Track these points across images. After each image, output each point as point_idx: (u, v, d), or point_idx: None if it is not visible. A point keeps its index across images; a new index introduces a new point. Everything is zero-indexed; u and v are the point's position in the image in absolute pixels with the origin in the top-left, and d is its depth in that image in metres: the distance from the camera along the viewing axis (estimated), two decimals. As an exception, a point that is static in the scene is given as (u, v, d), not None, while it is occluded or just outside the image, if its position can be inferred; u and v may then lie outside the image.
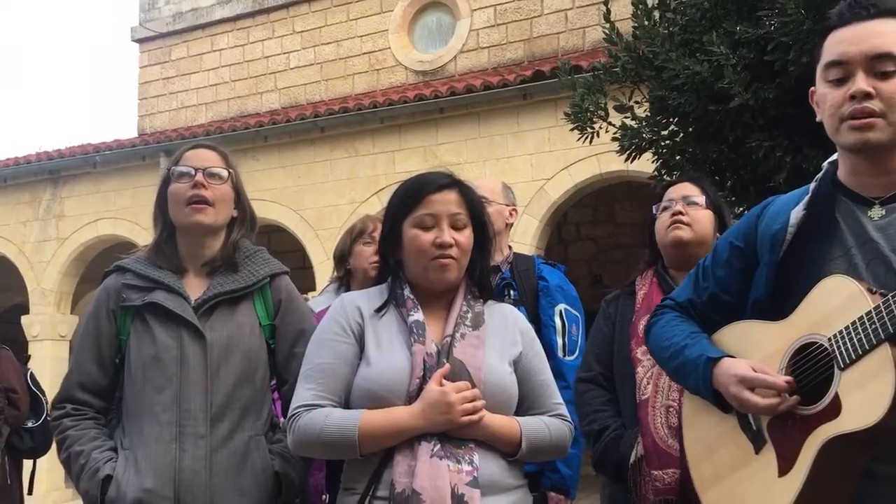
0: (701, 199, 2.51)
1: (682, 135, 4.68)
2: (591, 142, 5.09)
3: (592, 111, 4.98)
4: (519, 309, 2.90)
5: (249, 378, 2.12)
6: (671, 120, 4.67)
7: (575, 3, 10.94)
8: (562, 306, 2.95)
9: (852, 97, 1.50)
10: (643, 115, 4.82)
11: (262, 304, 2.20)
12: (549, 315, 2.93)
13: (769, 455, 1.54)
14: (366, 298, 1.97)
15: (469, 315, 1.92)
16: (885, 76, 1.49)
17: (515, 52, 11.24)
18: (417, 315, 1.88)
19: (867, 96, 1.49)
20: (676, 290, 1.91)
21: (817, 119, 1.63)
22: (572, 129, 5.13)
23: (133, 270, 2.16)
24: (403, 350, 1.84)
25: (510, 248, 3.18)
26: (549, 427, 1.93)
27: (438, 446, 1.76)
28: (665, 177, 4.92)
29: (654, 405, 2.33)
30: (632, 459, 2.32)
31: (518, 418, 1.90)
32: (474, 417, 1.77)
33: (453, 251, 1.88)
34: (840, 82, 1.53)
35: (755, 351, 1.60)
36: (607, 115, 4.97)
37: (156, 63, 14.17)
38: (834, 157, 1.67)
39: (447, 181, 1.94)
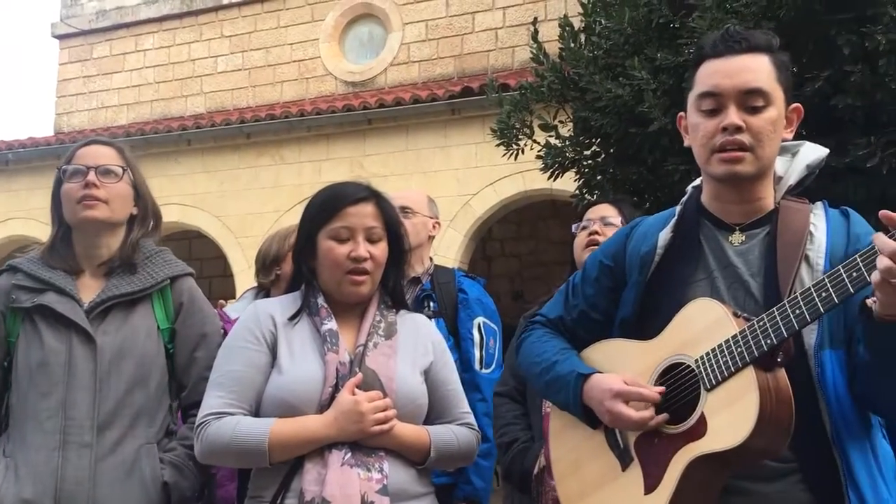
0: (618, 220, 2.60)
1: (603, 155, 4.79)
2: (516, 158, 5.17)
3: (518, 128, 5.07)
4: (438, 321, 2.96)
5: (143, 383, 2.06)
6: (594, 140, 4.79)
7: (505, 23, 11.10)
8: (480, 319, 2.99)
9: (724, 129, 1.55)
10: (567, 135, 4.93)
11: (161, 307, 2.14)
12: (467, 328, 2.97)
13: (635, 472, 1.56)
14: (279, 306, 1.95)
15: (382, 325, 1.92)
16: (754, 111, 1.55)
17: (446, 68, 11.32)
18: (331, 324, 1.87)
19: (738, 129, 1.54)
20: (547, 307, 1.93)
21: (685, 144, 1.69)
22: (498, 146, 5.21)
23: (24, 271, 2.09)
24: (316, 359, 1.83)
25: (431, 260, 3.21)
26: (457, 436, 1.94)
27: (349, 454, 1.76)
28: (586, 196, 5.03)
29: None
30: (535, 470, 2.38)
31: (427, 427, 1.92)
32: (385, 427, 1.78)
33: (367, 265, 1.89)
34: (713, 113, 1.57)
35: (624, 369, 1.63)
36: (532, 133, 5.06)
37: (76, 60, 13.72)
38: (698, 181, 1.74)
39: (364, 194, 1.94)
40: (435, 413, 1.97)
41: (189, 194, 10.79)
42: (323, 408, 1.79)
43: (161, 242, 2.31)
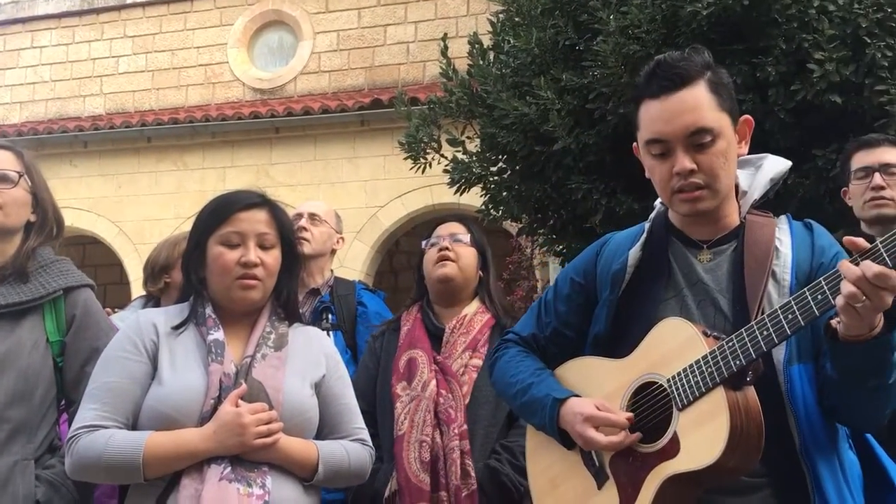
0: (466, 237, 2.64)
1: (509, 172, 4.86)
2: (423, 172, 5.19)
3: (426, 142, 5.09)
4: (336, 333, 2.92)
5: (25, 398, 1.96)
6: (500, 157, 4.85)
7: (417, 37, 11.15)
8: None
9: (677, 174, 1.56)
10: (474, 151, 4.98)
11: (52, 319, 2.05)
12: (365, 341, 2.94)
13: (611, 491, 1.58)
14: (163, 316, 1.89)
15: (272, 336, 1.88)
16: (702, 147, 1.55)
17: (356, 79, 11.28)
18: (217, 334, 1.82)
19: (691, 172, 1.55)
20: (519, 324, 1.93)
21: (647, 175, 1.69)
22: (406, 159, 5.22)
23: None
24: (199, 370, 1.78)
25: (332, 272, 3.18)
26: (348, 452, 1.91)
27: (229, 469, 1.70)
28: (492, 211, 5.10)
29: (409, 440, 2.38)
30: (386, 494, 2.36)
31: (317, 442, 1.88)
32: (268, 441, 1.73)
33: (258, 271, 1.84)
34: (663, 157, 1.59)
35: (598, 387, 1.65)
36: (440, 147, 5.09)
37: (-34, 54, 13.03)
38: (661, 199, 1.74)
39: (257, 200, 1.91)
40: (328, 428, 1.93)
41: (84, 198, 10.38)
42: (204, 420, 1.74)
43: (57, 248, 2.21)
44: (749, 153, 1.73)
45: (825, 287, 1.35)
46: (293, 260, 1.95)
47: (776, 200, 3.75)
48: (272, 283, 1.90)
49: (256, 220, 1.87)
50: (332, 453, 1.87)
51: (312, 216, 3.16)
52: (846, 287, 1.29)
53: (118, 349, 1.82)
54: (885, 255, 1.29)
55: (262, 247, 1.86)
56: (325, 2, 11.46)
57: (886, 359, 1.38)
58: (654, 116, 1.58)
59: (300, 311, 2.90)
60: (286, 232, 1.93)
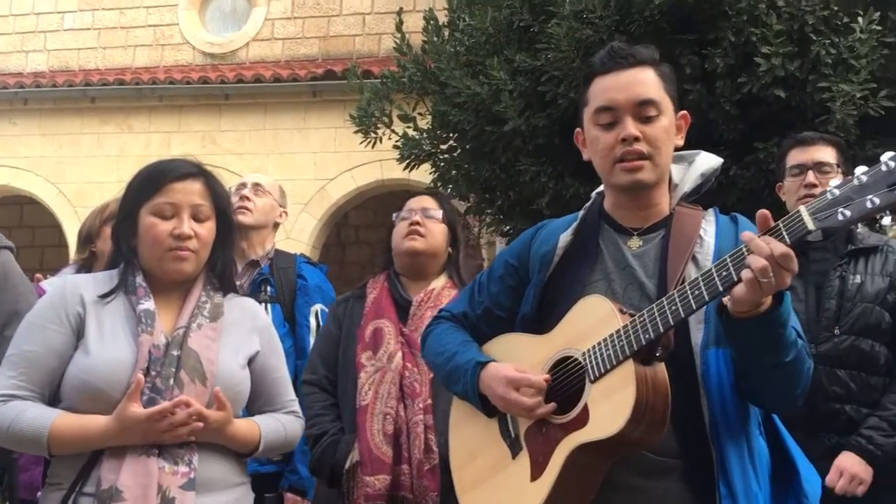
0: (438, 213, 2.64)
1: (459, 151, 4.87)
2: (373, 147, 5.17)
3: (377, 117, 5.06)
4: (274, 306, 2.90)
5: None
6: (450, 135, 4.85)
7: (374, 9, 11.01)
8: (318, 306, 2.96)
9: (623, 140, 1.62)
10: (425, 128, 4.97)
11: None
12: (304, 314, 2.93)
13: (524, 461, 1.62)
14: (91, 283, 1.84)
15: (207, 306, 1.85)
16: (648, 120, 1.63)
17: (310, 48, 11.10)
18: (148, 304, 1.78)
19: (636, 139, 1.62)
20: (452, 302, 1.98)
21: (585, 158, 1.77)
22: (356, 132, 5.18)
23: None
24: (128, 340, 1.74)
25: (273, 245, 3.16)
26: (284, 426, 1.92)
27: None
28: (441, 189, 5.10)
29: (373, 412, 2.38)
30: (347, 465, 2.36)
31: (257, 419, 1.88)
32: (183, 432, 1.68)
33: (192, 243, 1.81)
34: (610, 126, 1.65)
35: (519, 361, 1.68)
36: (391, 122, 5.07)
37: None
38: (601, 188, 1.81)
39: (192, 170, 1.86)
40: (261, 401, 1.93)
41: (23, 157, 10.06)
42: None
43: None
44: (693, 144, 1.78)
45: (730, 264, 1.40)
46: (228, 231, 1.92)
47: (718, 190, 3.86)
48: (206, 254, 1.86)
49: (191, 191, 1.83)
50: (272, 430, 1.87)
51: (256, 186, 3.13)
52: (757, 261, 1.34)
53: (40, 317, 1.78)
54: (784, 234, 1.35)
55: (197, 218, 1.82)
56: (281, -32, 11.24)
57: (778, 335, 1.45)
58: (606, 87, 1.67)
59: (238, 282, 2.89)
60: (221, 203, 1.89)
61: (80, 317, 1.77)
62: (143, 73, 10.40)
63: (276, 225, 3.22)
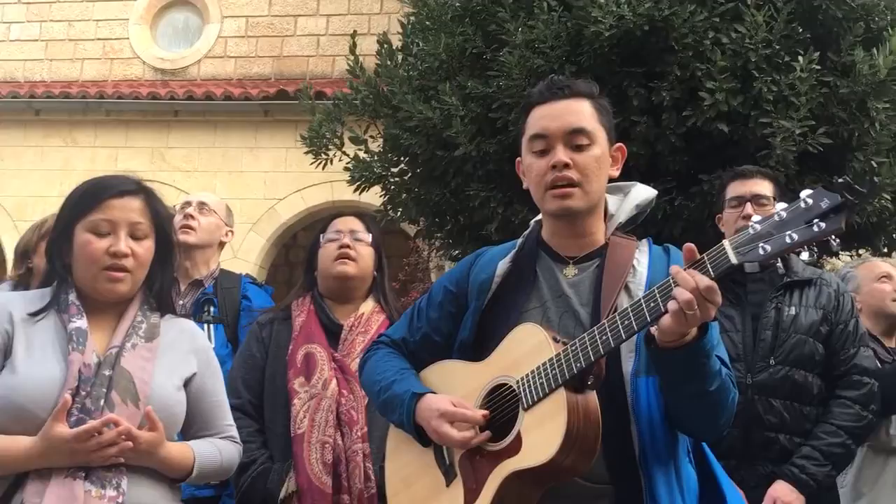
0: (367, 236, 2.61)
1: (409, 174, 4.88)
2: (324, 168, 5.14)
3: (329, 138, 5.05)
4: (217, 326, 2.85)
5: None
6: (401, 159, 4.86)
7: (328, 30, 11.02)
8: None
9: (553, 166, 1.67)
10: (376, 150, 4.97)
11: None
12: (246, 327, 2.87)
13: (458, 488, 1.62)
14: (21, 301, 1.79)
15: (143, 326, 1.81)
16: (580, 149, 1.68)
17: (263, 67, 11.04)
18: (79, 322, 1.74)
19: (566, 166, 1.66)
20: (391, 328, 1.98)
21: (524, 186, 1.80)
22: (307, 153, 5.16)
23: None
24: (58, 359, 1.70)
25: (218, 264, 3.12)
26: (220, 451, 1.88)
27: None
28: (391, 212, 5.10)
29: (310, 440, 2.33)
30: (281, 495, 2.30)
31: (191, 444, 1.84)
32: (110, 452, 1.64)
33: (128, 262, 1.77)
34: (543, 153, 1.70)
35: (456, 388, 1.69)
36: (342, 144, 5.06)
37: None
38: (539, 216, 1.84)
39: (131, 187, 1.83)
40: (197, 425, 1.89)
41: (-38, 168, 9.78)
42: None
43: None
44: (641, 174, 1.82)
45: (658, 295, 1.44)
46: (167, 251, 1.88)
47: (663, 220, 3.93)
48: (142, 274, 1.83)
49: (129, 209, 1.79)
50: (206, 455, 1.83)
51: (202, 205, 3.09)
52: (683, 294, 1.38)
53: None
54: (709, 267, 1.40)
55: (135, 236, 1.79)
56: (236, -14, 11.19)
57: (702, 364, 1.48)
58: (541, 115, 1.72)
59: (181, 302, 2.84)
60: (161, 221, 1.86)
61: (7, 335, 1.72)
62: (90, 87, 10.22)
63: (222, 244, 3.18)
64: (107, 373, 1.70)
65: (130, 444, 1.65)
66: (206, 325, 2.79)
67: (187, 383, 1.86)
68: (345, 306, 2.57)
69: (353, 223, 2.62)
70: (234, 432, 1.96)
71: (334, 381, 2.39)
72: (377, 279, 2.63)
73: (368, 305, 2.57)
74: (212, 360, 1.95)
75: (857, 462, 2.92)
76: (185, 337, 1.90)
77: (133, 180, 1.85)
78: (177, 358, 1.85)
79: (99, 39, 11.36)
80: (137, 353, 1.76)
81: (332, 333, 2.50)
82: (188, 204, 3.10)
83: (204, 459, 1.82)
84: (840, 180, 1.34)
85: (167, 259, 1.89)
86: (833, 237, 1.33)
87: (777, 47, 3.79)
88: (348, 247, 2.53)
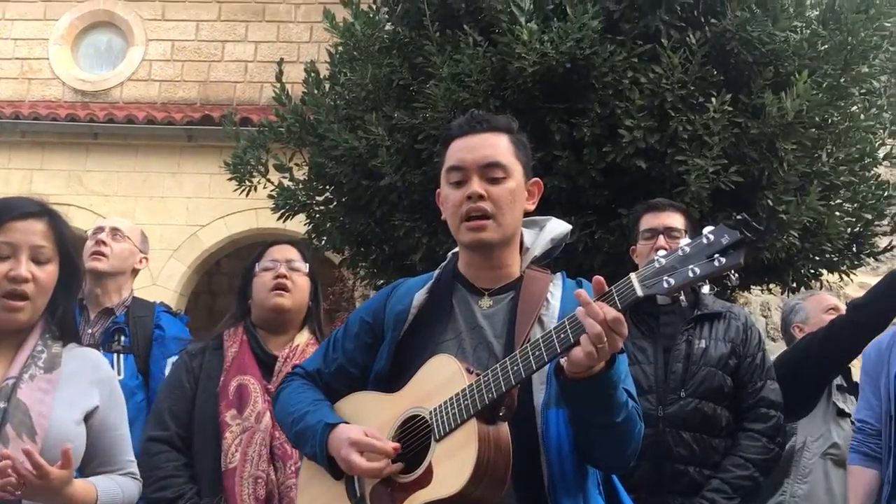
0: (304, 266, 2.58)
1: (335, 203, 4.86)
2: (248, 195, 5.08)
3: (253, 165, 5.00)
4: (127, 357, 2.77)
5: None
6: (327, 187, 4.85)
7: (256, 57, 10.95)
8: (175, 358, 2.84)
9: (469, 197, 1.70)
10: (301, 178, 4.94)
11: None
12: (159, 366, 2.81)
13: None
14: None
15: (44, 355, 1.75)
16: (495, 181, 1.71)
17: (189, 92, 10.89)
18: None
19: (480, 197, 1.69)
20: (307, 360, 1.96)
21: (443, 217, 1.82)
22: (230, 180, 5.09)
23: None
24: None
25: (132, 292, 3.04)
26: (122, 489, 1.82)
27: None
28: (315, 241, 5.06)
29: (242, 475, 2.28)
30: None
31: (94, 480, 1.77)
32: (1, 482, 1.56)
33: (28, 287, 1.71)
34: (459, 185, 1.72)
35: (370, 420, 1.69)
36: (267, 171, 5.02)
37: None
38: (457, 248, 1.86)
39: (35, 209, 1.77)
40: (98, 459, 1.82)
41: None
42: None
43: None
44: (562, 207, 1.86)
45: (568, 327, 1.47)
46: (72, 276, 1.82)
47: (584, 253, 4.00)
48: (44, 301, 1.76)
49: (32, 231, 1.73)
50: (109, 493, 1.77)
51: (115, 231, 3.01)
52: (593, 326, 1.41)
53: None
54: (616, 300, 1.44)
55: (37, 261, 1.73)
56: (162, 9, 11.03)
57: (609, 395, 1.52)
58: (458, 148, 1.75)
59: (90, 331, 2.74)
60: (66, 245, 1.80)
61: None
62: (5, 107, 9.90)
63: (135, 271, 3.10)
64: (1, 405, 1.63)
65: (14, 479, 1.56)
66: (115, 355, 2.71)
67: (89, 416, 1.79)
68: (279, 337, 2.52)
69: (290, 252, 2.58)
70: (135, 468, 1.90)
71: (268, 413, 2.34)
72: (312, 309, 2.59)
73: (304, 336, 2.54)
74: (115, 392, 1.89)
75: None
76: (88, 367, 1.84)
77: (36, 202, 1.79)
78: (78, 390, 1.78)
79: (16, 59, 11.04)
80: (35, 385, 1.69)
81: (266, 365, 2.45)
82: (101, 229, 3.01)
83: (107, 497, 1.76)
84: (738, 217, 1.39)
85: (71, 285, 1.83)
86: (732, 272, 1.38)
87: (692, 88, 3.93)
88: (285, 276, 2.48)
